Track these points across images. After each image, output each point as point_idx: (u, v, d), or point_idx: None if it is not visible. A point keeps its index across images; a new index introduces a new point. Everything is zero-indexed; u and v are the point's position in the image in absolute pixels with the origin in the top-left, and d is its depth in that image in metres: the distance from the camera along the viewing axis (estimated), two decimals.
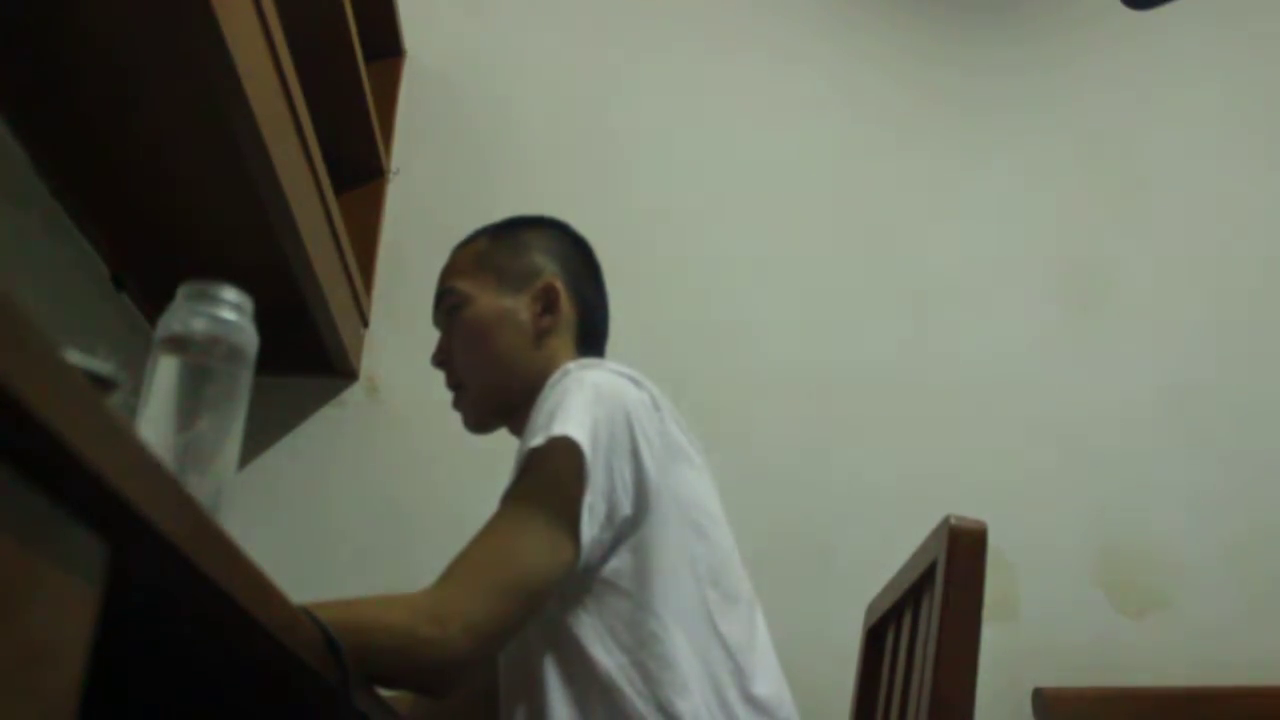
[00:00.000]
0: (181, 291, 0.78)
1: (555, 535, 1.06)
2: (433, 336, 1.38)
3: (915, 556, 1.26)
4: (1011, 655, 2.09)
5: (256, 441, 2.13)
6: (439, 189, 2.35)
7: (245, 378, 0.78)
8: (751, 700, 1.14)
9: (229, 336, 0.77)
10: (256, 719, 0.84)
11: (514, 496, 1.09)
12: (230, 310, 0.77)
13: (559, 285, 1.33)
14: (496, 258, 1.35)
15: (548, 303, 1.32)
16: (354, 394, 2.22)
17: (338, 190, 1.90)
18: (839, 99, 2.55)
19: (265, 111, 1.36)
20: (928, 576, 1.17)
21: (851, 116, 2.54)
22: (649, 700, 1.08)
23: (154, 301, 1.82)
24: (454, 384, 1.35)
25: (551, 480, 1.08)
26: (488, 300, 1.32)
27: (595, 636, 1.10)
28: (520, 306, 1.32)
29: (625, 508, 1.11)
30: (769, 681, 1.18)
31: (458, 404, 1.36)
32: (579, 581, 1.10)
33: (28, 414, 0.31)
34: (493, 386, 1.32)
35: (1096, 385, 2.34)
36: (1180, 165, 2.52)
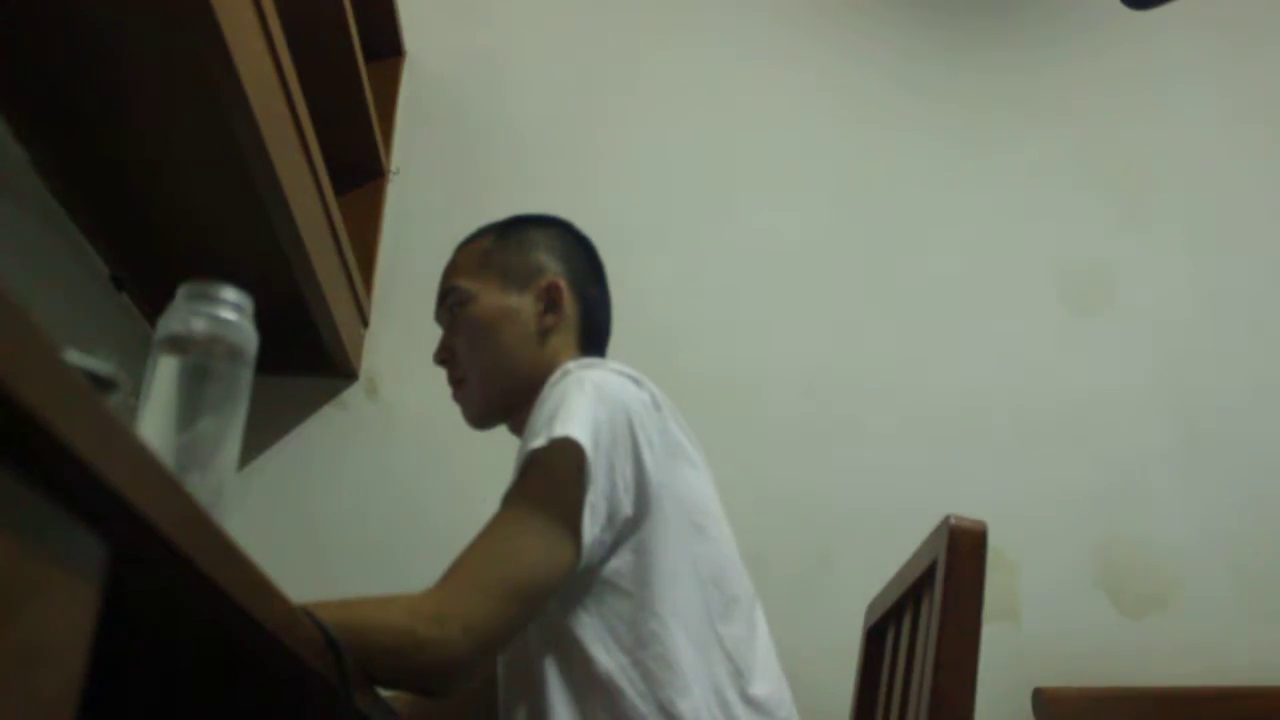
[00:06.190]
0: (181, 291, 0.78)
1: (556, 536, 1.06)
2: (433, 336, 1.38)
3: (915, 556, 1.26)
4: (1011, 655, 2.09)
5: (256, 441, 2.13)
6: (439, 189, 2.36)
7: (245, 378, 0.78)
8: (750, 701, 1.14)
9: (229, 336, 0.77)
10: (256, 719, 0.84)
11: (515, 497, 1.09)
12: (230, 310, 0.77)
13: (562, 284, 1.33)
14: (501, 256, 1.35)
15: (551, 301, 1.32)
16: (354, 394, 2.22)
17: (338, 190, 1.90)
18: (839, 100, 2.55)
19: (265, 111, 1.36)
20: (928, 576, 1.17)
21: (852, 118, 2.54)
22: (649, 700, 1.08)
23: (154, 301, 1.82)
24: (456, 380, 1.35)
25: (553, 481, 1.08)
26: (491, 298, 1.32)
27: (596, 637, 1.10)
28: (524, 305, 1.32)
29: (626, 508, 1.11)
30: (769, 681, 1.18)
31: (458, 398, 1.36)
32: (580, 582, 1.10)
33: (28, 414, 0.31)
34: (495, 383, 1.32)
35: (1096, 385, 2.34)
36: (1180, 165, 2.52)
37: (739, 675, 1.15)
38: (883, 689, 1.38)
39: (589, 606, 1.11)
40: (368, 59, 2.12)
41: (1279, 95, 2.58)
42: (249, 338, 0.78)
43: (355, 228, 2.16)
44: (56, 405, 0.33)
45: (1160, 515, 2.25)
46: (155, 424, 0.74)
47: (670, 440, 1.19)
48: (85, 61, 1.36)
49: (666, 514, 1.14)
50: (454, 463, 2.09)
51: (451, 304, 1.35)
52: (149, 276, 1.79)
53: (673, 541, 1.14)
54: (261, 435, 2.14)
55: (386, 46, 2.39)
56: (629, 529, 1.12)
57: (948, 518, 1.13)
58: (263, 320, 0.80)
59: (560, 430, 1.08)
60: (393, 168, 2.35)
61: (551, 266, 1.35)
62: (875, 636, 1.49)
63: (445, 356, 1.36)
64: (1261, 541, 2.23)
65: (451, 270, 1.38)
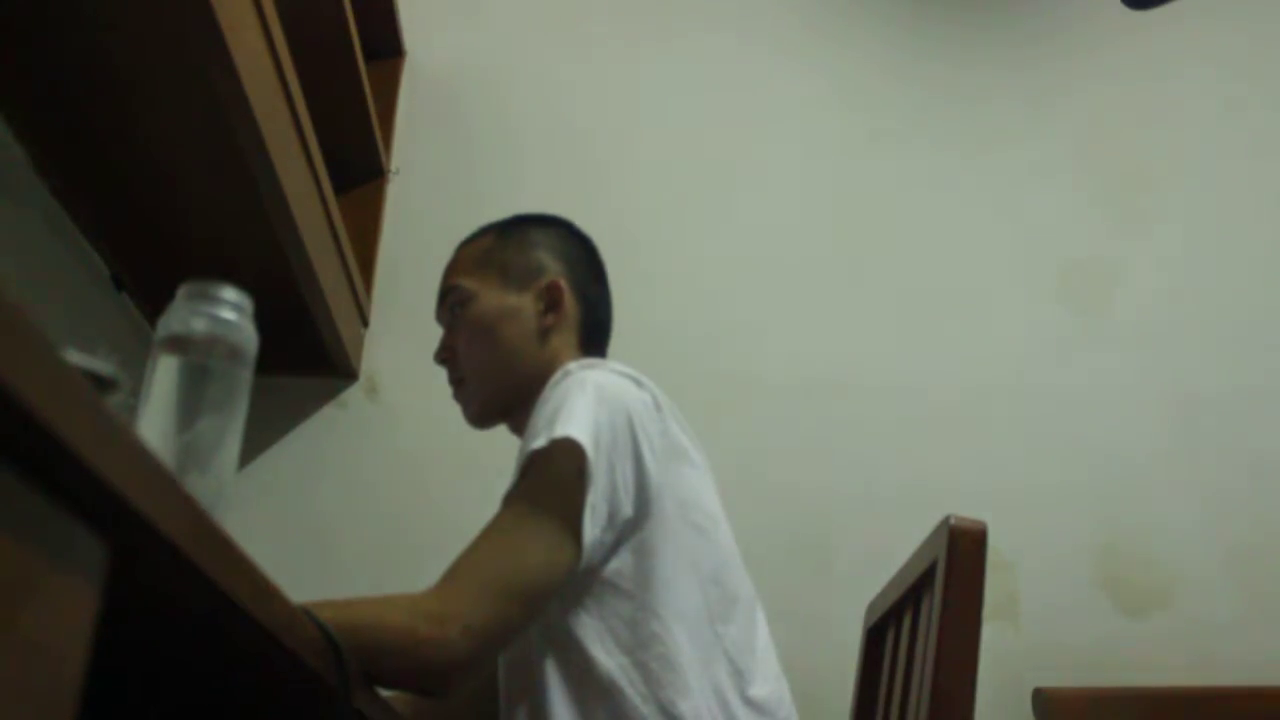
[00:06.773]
0: (181, 291, 0.78)
1: (557, 537, 1.06)
2: (433, 336, 1.38)
3: (915, 556, 1.26)
4: (1011, 655, 2.09)
5: (256, 441, 2.13)
6: (439, 189, 2.36)
7: (245, 378, 0.78)
8: (750, 701, 1.14)
9: (229, 336, 0.77)
10: (256, 719, 0.84)
11: (516, 498, 1.09)
12: (230, 310, 0.77)
13: (563, 284, 1.33)
14: (502, 255, 1.35)
15: (551, 301, 1.32)
16: (354, 394, 2.22)
17: (338, 190, 1.91)
18: (838, 99, 2.55)
19: (265, 111, 1.36)
20: (928, 576, 1.17)
21: (851, 117, 2.54)
22: (650, 701, 1.08)
23: (154, 301, 1.82)
24: (456, 380, 1.35)
25: (553, 482, 1.08)
26: (492, 297, 1.32)
27: (596, 637, 1.10)
28: (524, 304, 1.32)
29: (627, 509, 1.11)
30: (768, 682, 1.18)
31: (459, 397, 1.36)
32: (580, 582, 1.10)
33: (28, 414, 0.31)
34: (495, 383, 1.32)
35: (1096, 385, 2.34)
36: (1180, 165, 2.52)
37: (739, 676, 1.15)
38: (883, 689, 1.38)
39: (589, 607, 1.11)
40: (368, 59, 2.12)
41: (1278, 95, 2.58)
42: (249, 338, 0.78)
43: (355, 228, 2.16)
44: (56, 405, 0.33)
45: (1160, 515, 2.25)
46: (155, 424, 0.74)
47: (671, 441, 1.19)
48: (85, 61, 1.36)
49: (667, 515, 1.14)
50: (453, 463, 2.09)
51: (452, 303, 1.35)
52: (149, 276, 1.79)
53: (673, 542, 1.14)
54: (261, 435, 2.14)
55: (386, 46, 2.39)
56: (629, 530, 1.12)
57: (948, 518, 1.13)
58: (263, 320, 0.80)
59: (561, 431, 1.07)
60: (393, 168, 2.35)
61: (552, 266, 1.35)
62: (875, 636, 1.49)
63: (446, 356, 1.36)
64: (1261, 542, 2.23)
65: (452, 269, 1.38)
